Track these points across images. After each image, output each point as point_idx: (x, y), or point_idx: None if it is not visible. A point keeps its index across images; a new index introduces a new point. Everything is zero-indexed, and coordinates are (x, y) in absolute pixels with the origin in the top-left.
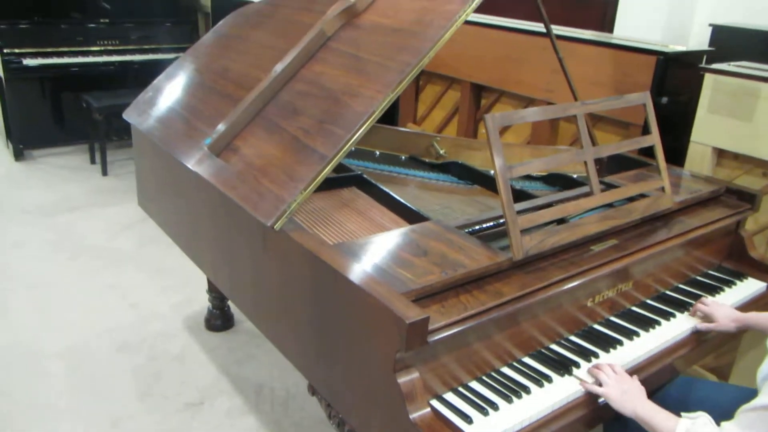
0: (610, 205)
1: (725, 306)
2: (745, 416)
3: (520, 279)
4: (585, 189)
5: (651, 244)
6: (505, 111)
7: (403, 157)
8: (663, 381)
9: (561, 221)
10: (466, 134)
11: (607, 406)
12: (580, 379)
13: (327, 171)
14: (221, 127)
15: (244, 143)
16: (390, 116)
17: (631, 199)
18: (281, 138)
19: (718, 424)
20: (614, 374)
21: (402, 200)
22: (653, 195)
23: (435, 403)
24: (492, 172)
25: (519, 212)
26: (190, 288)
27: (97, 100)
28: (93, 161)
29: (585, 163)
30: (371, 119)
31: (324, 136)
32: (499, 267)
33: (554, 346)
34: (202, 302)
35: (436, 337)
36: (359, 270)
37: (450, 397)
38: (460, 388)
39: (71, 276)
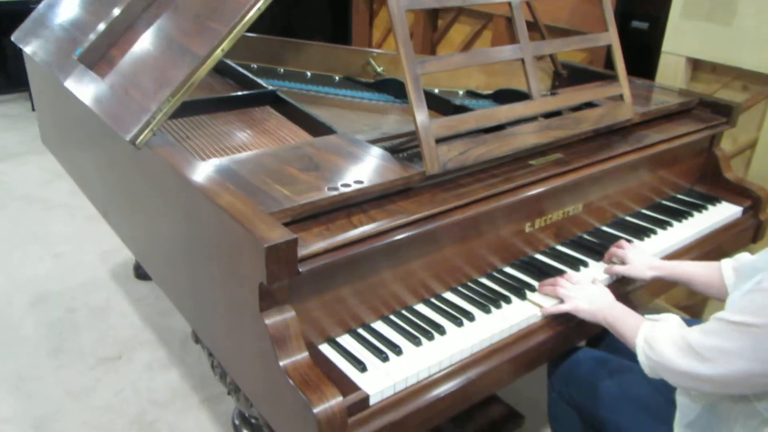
0: (558, 115)
1: (644, 253)
2: (713, 323)
3: (434, 197)
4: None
5: (602, 159)
6: (464, 29)
7: (337, 78)
8: None
9: (495, 131)
10: None
11: (548, 343)
12: (539, 305)
13: (201, 73)
14: (93, 35)
15: (120, 52)
16: (343, 42)
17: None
18: (158, 41)
19: None
20: (572, 285)
21: (314, 116)
22: (609, 104)
23: (325, 347)
24: (436, 90)
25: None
26: None
27: None
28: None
29: (522, 61)
30: (255, 8)
31: (200, 34)
32: (407, 183)
33: (484, 280)
34: None
35: (312, 266)
36: (224, 187)
37: (345, 340)
38: (360, 330)
39: None
